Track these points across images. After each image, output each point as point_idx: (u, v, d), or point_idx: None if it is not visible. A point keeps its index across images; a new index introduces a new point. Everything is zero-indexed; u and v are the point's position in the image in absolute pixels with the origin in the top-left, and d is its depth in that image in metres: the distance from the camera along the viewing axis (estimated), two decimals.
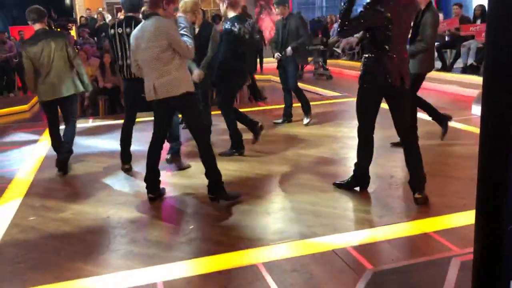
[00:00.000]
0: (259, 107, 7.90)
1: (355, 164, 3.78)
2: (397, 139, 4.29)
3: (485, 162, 1.66)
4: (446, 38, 10.34)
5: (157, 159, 3.83)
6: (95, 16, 13.13)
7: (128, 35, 4.17)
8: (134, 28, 3.82)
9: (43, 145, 5.86)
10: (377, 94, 3.48)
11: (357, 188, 3.87)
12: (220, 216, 3.51)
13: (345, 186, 3.85)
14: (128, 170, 4.65)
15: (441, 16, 11.49)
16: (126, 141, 4.63)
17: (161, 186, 3.94)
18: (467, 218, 3.20)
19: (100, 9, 14.15)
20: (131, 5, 4.35)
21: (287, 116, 6.46)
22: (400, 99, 3.48)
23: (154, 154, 3.81)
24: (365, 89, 3.48)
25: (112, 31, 4.45)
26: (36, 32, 4.59)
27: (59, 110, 4.79)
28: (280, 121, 6.46)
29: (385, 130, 4.77)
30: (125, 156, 4.66)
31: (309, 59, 10.91)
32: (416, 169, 3.50)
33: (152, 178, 3.82)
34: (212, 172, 3.67)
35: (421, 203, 3.48)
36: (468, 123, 5.87)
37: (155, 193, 3.84)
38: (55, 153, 4.88)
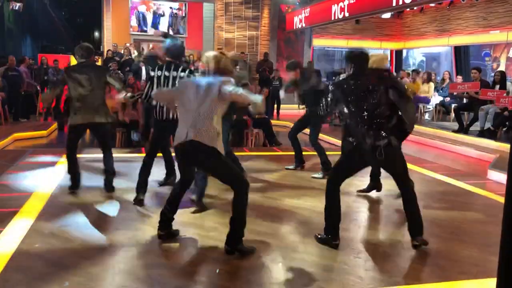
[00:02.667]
0: (273, 152, 7.94)
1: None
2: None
3: (509, 233, 1.63)
4: (464, 101, 10.41)
5: (179, 197, 3.80)
6: (122, 51, 13.53)
7: (167, 77, 4.53)
8: (174, 71, 4.43)
9: (59, 171, 5.91)
10: None
11: (369, 244, 3.81)
12: (227, 262, 3.45)
13: None
14: (140, 202, 4.68)
15: (459, 78, 11.67)
16: (146, 174, 4.77)
17: (176, 227, 3.91)
18: (480, 285, 3.12)
19: (128, 44, 14.61)
20: (176, 54, 4.67)
21: (300, 162, 6.50)
22: None
23: (179, 192, 3.79)
24: None
25: (159, 72, 4.60)
26: (81, 63, 4.99)
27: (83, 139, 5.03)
28: (292, 167, 6.49)
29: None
30: (142, 187, 4.75)
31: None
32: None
33: (168, 214, 3.76)
34: (239, 220, 3.51)
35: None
36: (484, 188, 5.81)
37: (165, 231, 3.80)
38: (69, 179, 4.97)
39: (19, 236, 3.79)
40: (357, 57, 3.79)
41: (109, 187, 5.10)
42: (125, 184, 5.34)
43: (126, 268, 3.30)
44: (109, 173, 5.11)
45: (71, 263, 3.33)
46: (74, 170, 5.04)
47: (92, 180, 5.59)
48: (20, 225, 4.05)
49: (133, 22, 16.04)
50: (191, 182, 3.90)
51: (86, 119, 4.89)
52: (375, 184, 5.27)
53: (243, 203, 3.50)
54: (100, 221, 4.24)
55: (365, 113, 3.56)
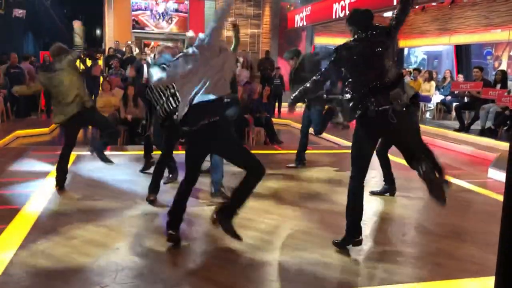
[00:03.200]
0: (275, 150, 7.96)
1: None
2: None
3: (508, 232, 1.65)
4: (466, 99, 10.42)
5: (187, 196, 3.73)
6: (123, 49, 13.53)
7: None
8: None
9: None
10: None
11: (370, 243, 3.84)
12: (226, 258, 3.47)
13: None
14: (152, 202, 4.70)
15: (461, 77, 11.68)
16: (160, 173, 4.81)
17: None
18: (480, 284, 3.14)
19: (129, 42, 14.61)
20: None
21: (301, 160, 6.52)
22: None
23: (186, 190, 3.72)
24: None
25: None
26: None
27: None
28: (293, 165, 6.50)
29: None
30: (154, 187, 4.77)
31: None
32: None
33: (177, 213, 3.70)
34: (240, 198, 3.54)
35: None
36: (484, 187, 5.82)
37: (176, 230, 3.69)
38: (71, 177, 5.02)
39: (23, 233, 3.82)
40: (363, 16, 3.60)
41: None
42: (131, 183, 5.36)
43: (129, 265, 3.32)
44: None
45: (74, 260, 3.36)
46: (60, 172, 5.10)
47: (94, 176, 5.63)
48: (21, 223, 4.07)
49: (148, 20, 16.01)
50: (196, 180, 3.79)
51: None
52: (389, 187, 5.23)
53: (252, 185, 3.54)
54: (103, 218, 4.26)
55: (371, 78, 3.41)
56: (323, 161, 7.00)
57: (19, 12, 9.71)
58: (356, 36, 3.57)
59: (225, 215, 3.54)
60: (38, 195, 4.88)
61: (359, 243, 3.63)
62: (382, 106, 3.38)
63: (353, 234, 3.61)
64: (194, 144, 3.63)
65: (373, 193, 5.21)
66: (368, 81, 3.44)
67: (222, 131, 3.49)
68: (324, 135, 9.16)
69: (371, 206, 4.93)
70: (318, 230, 4.13)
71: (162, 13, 16.31)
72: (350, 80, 3.56)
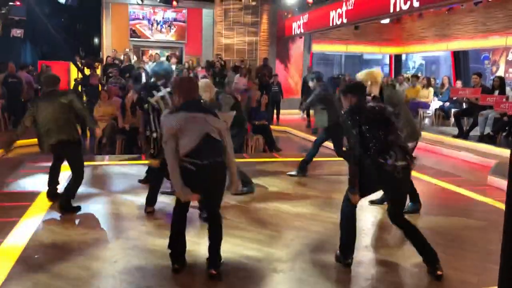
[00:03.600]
0: (273, 158, 7.94)
1: None
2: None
3: (509, 241, 1.63)
4: (464, 106, 10.42)
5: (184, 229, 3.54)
6: (122, 57, 13.53)
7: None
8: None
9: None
10: None
11: (370, 253, 3.80)
12: (226, 271, 3.44)
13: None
14: (150, 213, 4.69)
15: (459, 83, 11.69)
16: (158, 186, 4.81)
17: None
18: None
19: (127, 49, 14.60)
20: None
21: (303, 170, 6.50)
22: None
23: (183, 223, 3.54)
24: None
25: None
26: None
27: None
28: (294, 173, 6.48)
29: None
30: (152, 199, 4.76)
31: None
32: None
33: (178, 247, 3.50)
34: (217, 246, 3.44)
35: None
36: (484, 194, 5.80)
37: (181, 263, 3.49)
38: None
39: (20, 245, 3.78)
40: (360, 88, 3.73)
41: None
42: (128, 193, 5.33)
43: (127, 279, 3.29)
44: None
45: (72, 274, 3.33)
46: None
47: (92, 186, 5.61)
48: (20, 237, 4.04)
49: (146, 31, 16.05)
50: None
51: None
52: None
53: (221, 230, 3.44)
54: (101, 231, 4.23)
55: (380, 138, 3.41)
56: (323, 169, 6.97)
57: (17, 32, 9.75)
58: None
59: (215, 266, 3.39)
60: (35, 208, 4.84)
61: (349, 265, 3.58)
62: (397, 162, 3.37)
63: (345, 256, 3.59)
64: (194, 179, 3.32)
65: (372, 202, 5.18)
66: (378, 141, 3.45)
67: (223, 171, 3.41)
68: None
69: (370, 216, 4.91)
70: (316, 239, 4.10)
71: (160, 22, 16.33)
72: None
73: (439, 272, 3.37)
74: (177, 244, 3.47)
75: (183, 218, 3.49)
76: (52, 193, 5.04)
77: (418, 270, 3.56)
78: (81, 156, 4.94)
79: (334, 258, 3.66)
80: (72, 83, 12.42)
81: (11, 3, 10.26)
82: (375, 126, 3.39)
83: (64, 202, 4.68)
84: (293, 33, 15.62)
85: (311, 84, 6.73)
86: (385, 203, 5.14)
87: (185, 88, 3.44)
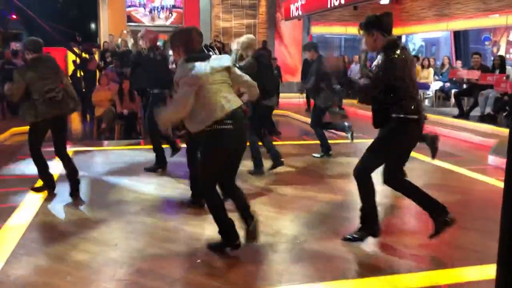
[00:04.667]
0: (273, 141, 7.91)
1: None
2: None
3: (509, 219, 1.62)
4: (464, 86, 10.37)
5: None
6: (118, 41, 13.41)
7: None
8: None
9: (57, 165, 5.89)
10: None
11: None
12: (228, 254, 3.44)
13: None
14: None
15: (459, 63, 11.62)
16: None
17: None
18: (481, 272, 3.12)
19: (125, 31, 14.45)
20: None
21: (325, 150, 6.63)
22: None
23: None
24: None
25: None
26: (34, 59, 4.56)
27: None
28: (318, 155, 6.53)
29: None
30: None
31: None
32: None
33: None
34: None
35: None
36: (484, 173, 5.79)
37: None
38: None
39: (20, 231, 3.78)
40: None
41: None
42: (128, 178, 5.33)
43: (128, 262, 3.30)
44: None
45: (72, 258, 3.33)
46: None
47: (92, 170, 5.61)
48: (21, 220, 4.04)
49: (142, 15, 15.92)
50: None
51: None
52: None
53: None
54: (101, 214, 4.23)
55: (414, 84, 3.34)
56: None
57: (16, 46, 9.71)
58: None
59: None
60: (35, 195, 4.83)
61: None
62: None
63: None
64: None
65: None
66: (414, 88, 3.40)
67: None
68: None
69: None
70: (318, 222, 4.10)
71: (158, 8, 16.18)
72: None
73: (449, 218, 3.38)
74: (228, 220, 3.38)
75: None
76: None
77: (419, 250, 3.57)
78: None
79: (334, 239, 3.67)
80: (70, 69, 12.34)
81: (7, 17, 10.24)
82: None
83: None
84: (291, 15, 15.47)
85: (307, 55, 6.60)
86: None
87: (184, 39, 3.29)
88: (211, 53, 3.86)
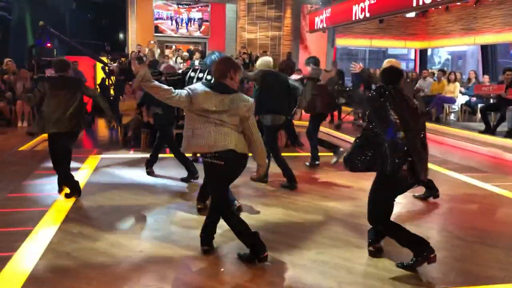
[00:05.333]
0: (296, 152, 7.94)
1: None
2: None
3: None
4: (491, 101, 10.21)
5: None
6: (146, 52, 13.69)
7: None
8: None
9: (85, 172, 6.04)
10: None
11: (392, 246, 3.79)
12: (250, 264, 3.47)
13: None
14: (200, 210, 4.55)
15: (486, 78, 11.46)
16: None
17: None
18: None
19: (152, 41, 14.74)
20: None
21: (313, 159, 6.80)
22: None
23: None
24: None
25: (193, 74, 4.97)
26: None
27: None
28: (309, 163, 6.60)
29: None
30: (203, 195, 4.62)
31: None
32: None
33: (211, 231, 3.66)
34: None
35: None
36: (511, 189, 5.69)
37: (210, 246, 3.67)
38: (96, 180, 5.06)
39: (49, 236, 3.90)
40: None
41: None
42: (154, 185, 5.43)
43: (152, 268, 3.36)
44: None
45: (99, 263, 3.42)
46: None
47: (118, 178, 5.73)
48: (50, 225, 4.16)
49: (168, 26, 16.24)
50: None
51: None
52: (432, 191, 5.15)
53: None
54: (128, 221, 4.32)
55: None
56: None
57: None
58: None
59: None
60: (63, 198, 4.97)
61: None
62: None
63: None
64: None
65: (415, 197, 5.22)
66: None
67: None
68: (343, 135, 9.12)
69: (395, 210, 4.88)
70: (341, 234, 4.10)
71: (186, 20, 16.46)
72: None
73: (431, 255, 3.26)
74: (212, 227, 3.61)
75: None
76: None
77: (443, 265, 3.53)
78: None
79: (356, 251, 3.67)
80: (99, 78, 12.64)
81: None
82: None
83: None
84: (316, 28, 15.54)
85: (308, 69, 6.80)
86: (430, 198, 5.15)
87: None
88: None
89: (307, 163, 6.83)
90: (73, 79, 5.17)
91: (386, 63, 4.56)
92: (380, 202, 3.47)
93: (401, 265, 3.38)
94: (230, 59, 3.68)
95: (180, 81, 4.96)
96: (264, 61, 5.79)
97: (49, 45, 10.20)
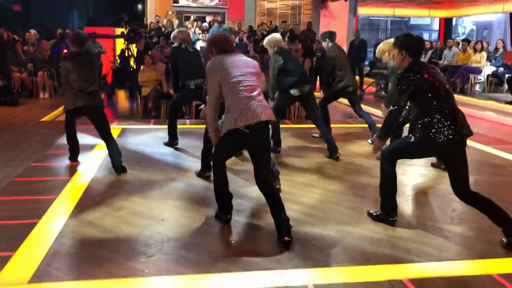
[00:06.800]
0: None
1: None
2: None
3: None
4: None
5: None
6: (164, 22, 13.57)
7: None
8: None
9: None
10: None
11: (418, 219, 3.73)
12: (274, 232, 3.44)
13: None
14: (208, 178, 4.61)
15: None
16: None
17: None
18: None
19: (170, 12, 14.60)
20: None
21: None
22: None
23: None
24: None
25: None
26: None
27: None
28: (317, 135, 6.41)
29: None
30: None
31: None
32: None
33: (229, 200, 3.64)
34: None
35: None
36: None
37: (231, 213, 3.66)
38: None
39: (71, 204, 3.93)
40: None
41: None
42: (174, 156, 5.42)
43: (174, 237, 3.36)
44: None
45: (121, 231, 3.43)
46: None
47: (140, 149, 5.74)
48: (72, 193, 4.20)
49: None
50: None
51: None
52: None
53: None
54: (149, 191, 4.32)
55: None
56: (362, 135, 6.83)
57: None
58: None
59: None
60: (86, 167, 5.01)
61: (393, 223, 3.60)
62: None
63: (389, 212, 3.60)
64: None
65: (433, 165, 5.20)
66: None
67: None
68: (366, 107, 8.96)
69: (419, 182, 4.80)
70: (362, 204, 4.05)
71: None
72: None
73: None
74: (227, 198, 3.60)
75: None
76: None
77: (469, 238, 3.46)
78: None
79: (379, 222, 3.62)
80: (118, 49, 12.60)
81: None
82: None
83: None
84: None
85: (324, 44, 6.53)
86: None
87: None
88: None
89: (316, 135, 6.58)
90: (87, 54, 5.09)
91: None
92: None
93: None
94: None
95: None
96: (274, 38, 5.59)
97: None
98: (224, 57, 3.38)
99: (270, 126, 3.43)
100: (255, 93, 3.30)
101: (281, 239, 3.26)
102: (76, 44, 4.82)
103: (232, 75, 3.27)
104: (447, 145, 3.19)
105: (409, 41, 3.39)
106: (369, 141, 6.30)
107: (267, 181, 3.42)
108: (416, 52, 3.39)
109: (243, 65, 3.38)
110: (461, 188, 3.32)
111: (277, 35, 5.74)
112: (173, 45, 6.11)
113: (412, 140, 3.34)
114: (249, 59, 3.51)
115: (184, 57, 5.83)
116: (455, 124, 3.20)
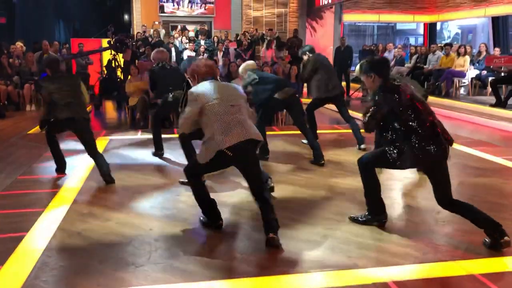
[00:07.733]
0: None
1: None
2: None
3: None
4: (502, 74, 10.05)
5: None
6: (151, 32, 13.60)
7: None
8: None
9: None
10: None
11: (403, 221, 3.78)
12: (261, 238, 3.47)
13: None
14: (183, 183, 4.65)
15: (497, 50, 11.25)
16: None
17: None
18: None
19: (156, 22, 14.63)
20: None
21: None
22: None
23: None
24: None
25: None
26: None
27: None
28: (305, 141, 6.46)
29: None
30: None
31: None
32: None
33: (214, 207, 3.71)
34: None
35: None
36: None
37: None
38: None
39: (60, 216, 3.93)
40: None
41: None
42: (162, 165, 5.43)
43: (162, 246, 3.38)
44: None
45: (109, 242, 3.44)
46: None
47: (127, 159, 5.74)
48: (60, 206, 4.19)
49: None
50: None
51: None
52: None
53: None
54: (137, 201, 4.34)
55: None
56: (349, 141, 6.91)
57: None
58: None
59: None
60: (73, 179, 5.00)
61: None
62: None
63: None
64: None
65: (418, 169, 5.20)
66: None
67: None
68: (353, 112, 9.03)
69: (402, 184, 4.86)
70: (348, 209, 4.09)
71: (190, 1, 16.28)
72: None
73: (506, 238, 3.23)
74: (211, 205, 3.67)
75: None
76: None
77: (454, 239, 3.52)
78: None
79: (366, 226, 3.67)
80: (105, 59, 12.60)
81: None
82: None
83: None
84: (321, 3, 15.30)
85: (305, 57, 6.60)
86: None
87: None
88: None
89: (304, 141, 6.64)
90: (70, 77, 5.31)
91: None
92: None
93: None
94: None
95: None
96: (247, 65, 5.83)
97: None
98: (206, 82, 3.55)
99: (256, 145, 3.50)
100: (238, 114, 3.42)
101: (267, 236, 3.32)
102: (52, 68, 4.98)
103: (214, 97, 3.40)
104: (429, 158, 3.29)
105: (372, 63, 3.55)
106: (358, 148, 6.35)
107: (263, 192, 3.51)
108: (383, 70, 3.53)
109: (225, 89, 3.52)
110: (443, 197, 3.42)
111: (250, 62, 6.07)
112: (152, 67, 6.25)
113: (393, 154, 3.38)
114: (231, 84, 3.73)
115: (162, 75, 6.01)
116: (436, 136, 3.29)
